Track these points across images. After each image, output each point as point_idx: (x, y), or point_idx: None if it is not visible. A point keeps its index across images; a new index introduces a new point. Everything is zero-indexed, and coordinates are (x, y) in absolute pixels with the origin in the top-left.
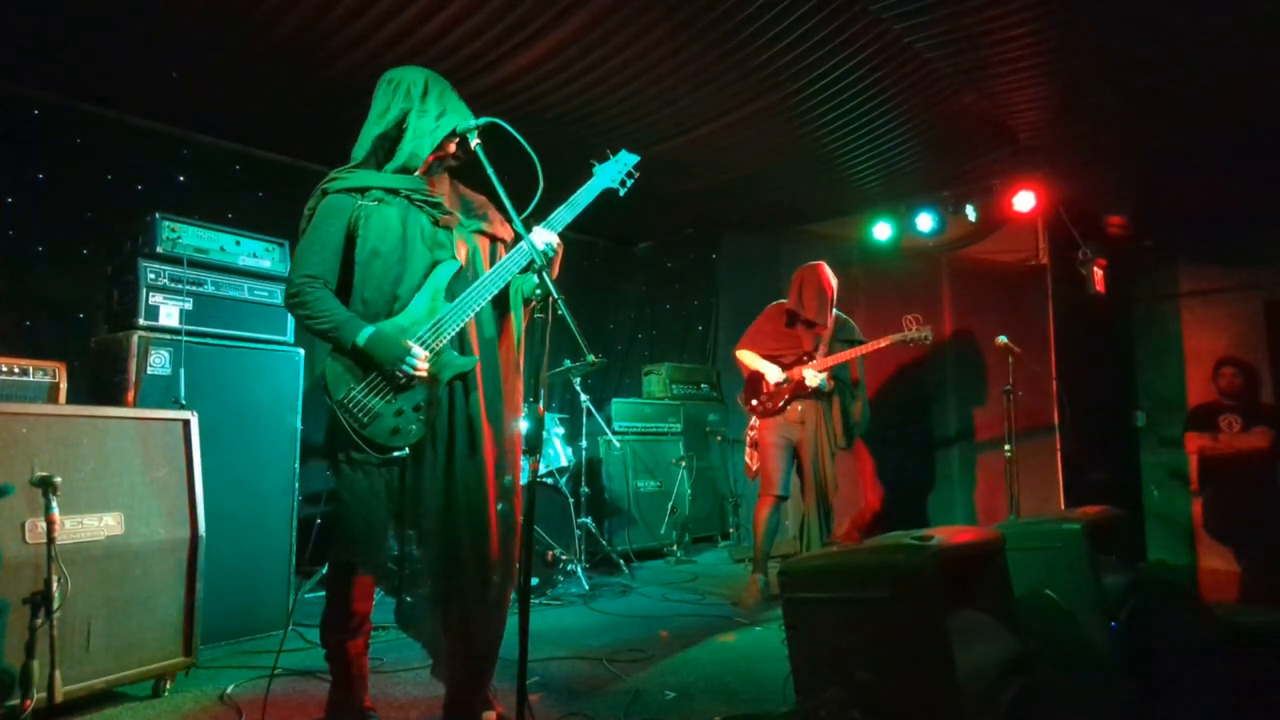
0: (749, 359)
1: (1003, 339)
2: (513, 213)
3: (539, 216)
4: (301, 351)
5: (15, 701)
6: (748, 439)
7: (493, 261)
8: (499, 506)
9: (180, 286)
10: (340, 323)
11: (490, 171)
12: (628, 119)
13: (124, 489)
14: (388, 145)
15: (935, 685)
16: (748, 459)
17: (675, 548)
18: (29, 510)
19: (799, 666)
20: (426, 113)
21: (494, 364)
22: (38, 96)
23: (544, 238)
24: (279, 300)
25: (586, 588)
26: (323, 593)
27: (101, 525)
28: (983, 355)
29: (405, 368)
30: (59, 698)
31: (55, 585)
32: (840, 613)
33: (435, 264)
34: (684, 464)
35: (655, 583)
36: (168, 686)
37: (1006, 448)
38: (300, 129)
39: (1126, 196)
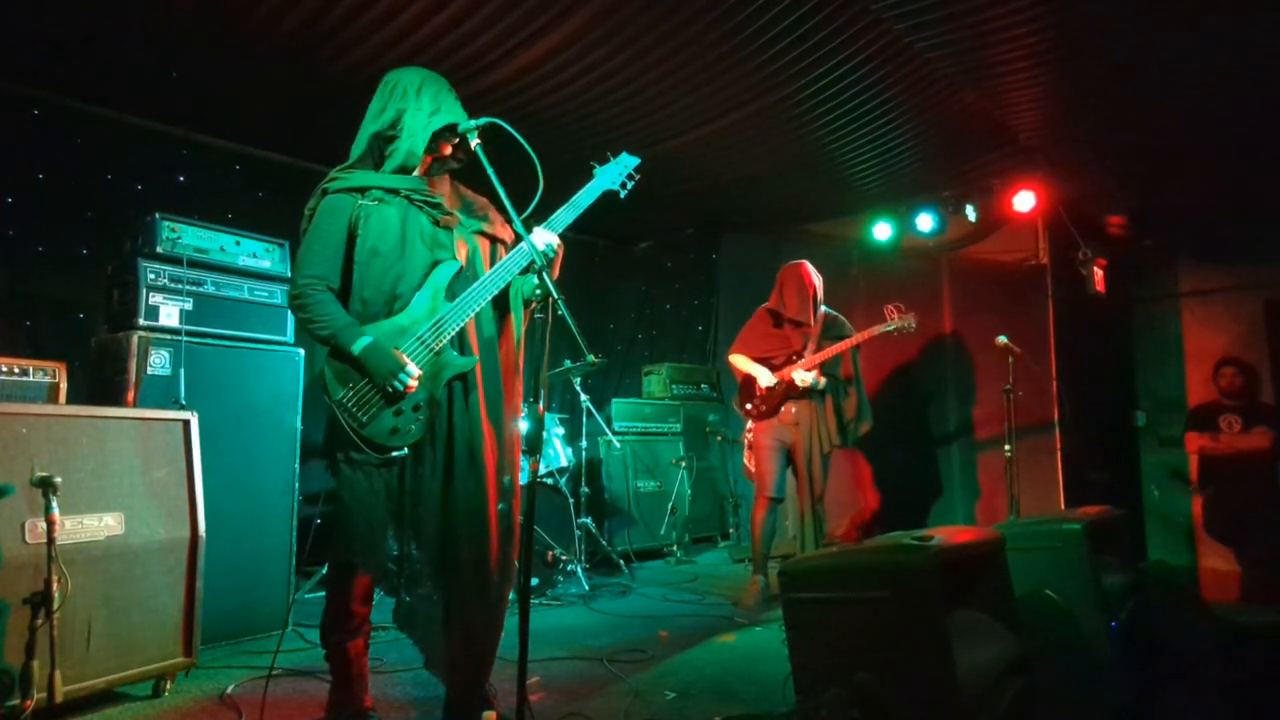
0: (741, 363)
1: (1003, 339)
2: (513, 213)
3: (539, 217)
4: (301, 351)
5: (15, 701)
6: (745, 441)
7: (493, 262)
8: (499, 506)
9: (180, 286)
10: (339, 329)
11: (490, 172)
12: (628, 119)
13: (124, 489)
14: (383, 145)
15: (935, 685)
16: (746, 460)
17: (675, 548)
18: (29, 510)
19: (799, 666)
20: (420, 111)
21: (494, 364)
22: (38, 96)
23: (544, 238)
24: (279, 300)
25: (586, 588)
26: (323, 593)
27: (101, 525)
28: (983, 355)
29: (396, 384)
30: (59, 698)
31: (55, 585)
32: (840, 613)
33: (435, 264)
34: (684, 464)
35: (655, 583)
36: (168, 686)
37: (1006, 448)
38: (300, 129)
39: (1126, 196)
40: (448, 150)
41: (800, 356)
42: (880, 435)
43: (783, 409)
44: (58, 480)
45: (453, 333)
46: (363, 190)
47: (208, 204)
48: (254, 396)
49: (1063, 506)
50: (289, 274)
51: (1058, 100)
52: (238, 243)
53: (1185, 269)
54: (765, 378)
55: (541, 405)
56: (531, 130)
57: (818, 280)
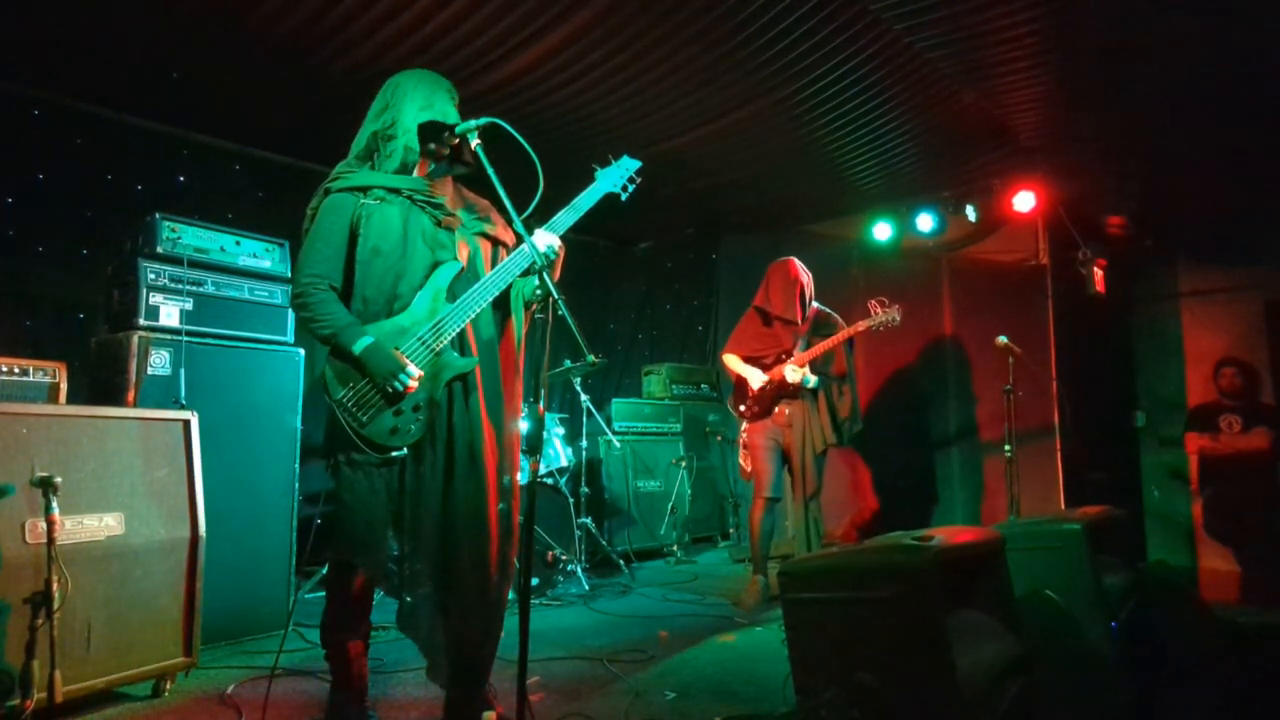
0: (733, 364)
1: (1003, 339)
2: (513, 214)
3: (540, 217)
4: (301, 351)
5: (15, 701)
6: (740, 442)
7: (494, 264)
8: (499, 507)
9: (180, 286)
10: (340, 329)
11: (490, 172)
12: (628, 119)
13: (124, 489)
14: (381, 143)
15: (935, 685)
16: (741, 461)
17: (675, 548)
18: (29, 510)
19: (799, 666)
20: (412, 107)
21: (494, 365)
22: (38, 96)
23: (545, 240)
24: (279, 300)
25: (586, 588)
26: (323, 593)
27: (101, 525)
28: (983, 355)
29: (397, 384)
30: (59, 698)
31: (55, 585)
32: (840, 613)
33: (437, 264)
34: (684, 464)
35: (655, 583)
36: (168, 686)
37: (1006, 448)
38: (300, 129)
39: (1126, 196)
40: (444, 151)
41: (790, 355)
42: (880, 435)
43: (776, 409)
44: (58, 480)
45: (453, 334)
46: (365, 189)
47: (208, 204)
48: (254, 396)
49: (1063, 506)
50: (289, 274)
51: (1058, 100)
52: (238, 243)
53: (1185, 269)
54: (755, 379)
55: (541, 405)
56: (532, 130)
57: (806, 277)
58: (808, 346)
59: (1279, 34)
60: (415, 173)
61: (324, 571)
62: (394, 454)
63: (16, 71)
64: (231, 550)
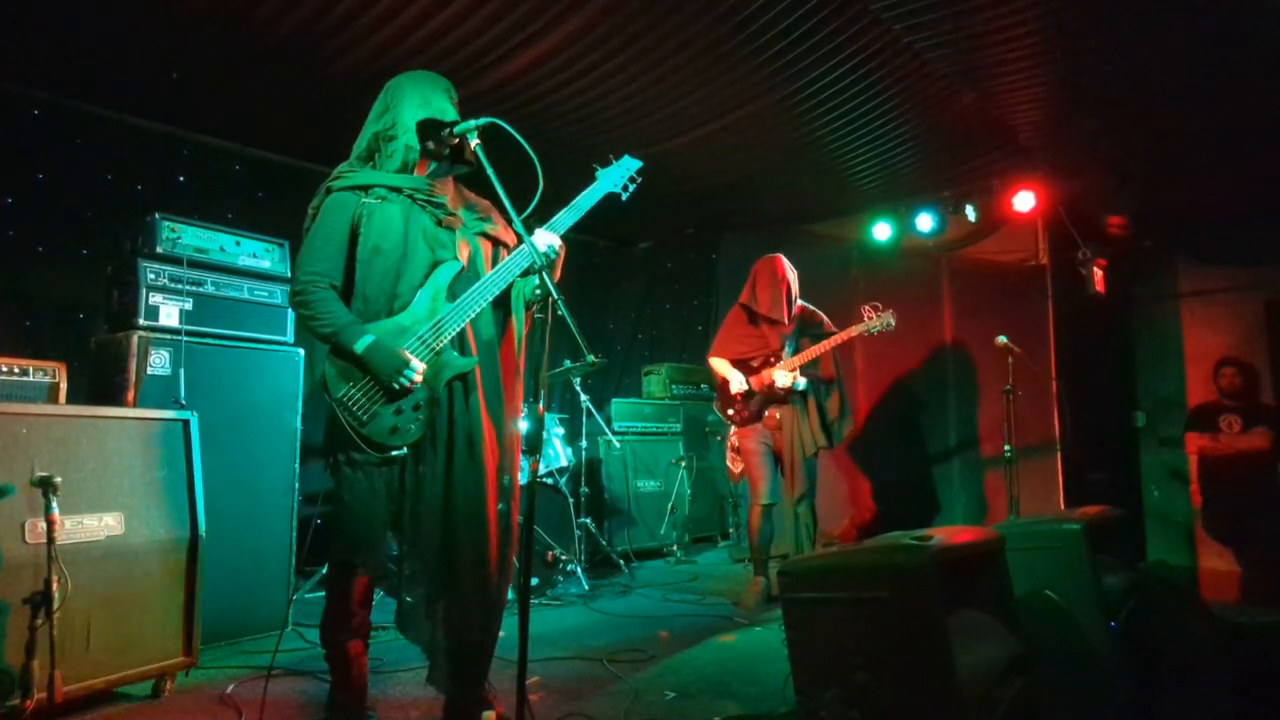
0: (720, 367)
1: (1002, 339)
2: (513, 214)
3: (540, 217)
4: (301, 351)
5: (15, 701)
6: (729, 444)
7: (494, 264)
8: (498, 507)
9: (180, 287)
10: (341, 327)
11: (490, 172)
12: (628, 119)
13: (124, 489)
14: (382, 144)
15: (935, 685)
16: (729, 464)
17: (675, 548)
18: (29, 510)
19: (799, 666)
20: (411, 106)
21: (494, 365)
22: (38, 96)
23: (546, 240)
24: (279, 300)
25: (586, 588)
26: (322, 593)
27: (101, 525)
28: (983, 355)
29: (402, 380)
30: (59, 698)
31: (55, 585)
32: (840, 613)
33: (437, 264)
34: (684, 464)
35: (655, 583)
36: (168, 686)
37: (1006, 447)
38: (300, 129)
39: (1126, 196)
40: (444, 150)
41: (778, 357)
42: (880, 435)
43: (765, 414)
44: (58, 480)
45: (453, 333)
46: (366, 188)
47: (208, 204)
48: (254, 396)
49: (1063, 506)
50: (289, 274)
51: (1057, 100)
52: (238, 243)
53: (1185, 269)
54: (736, 383)
55: (541, 405)
56: (531, 130)
57: (792, 275)
58: (795, 347)
59: (1278, 33)
60: (416, 172)
61: (324, 571)
62: (394, 454)
63: (16, 71)
64: (231, 550)
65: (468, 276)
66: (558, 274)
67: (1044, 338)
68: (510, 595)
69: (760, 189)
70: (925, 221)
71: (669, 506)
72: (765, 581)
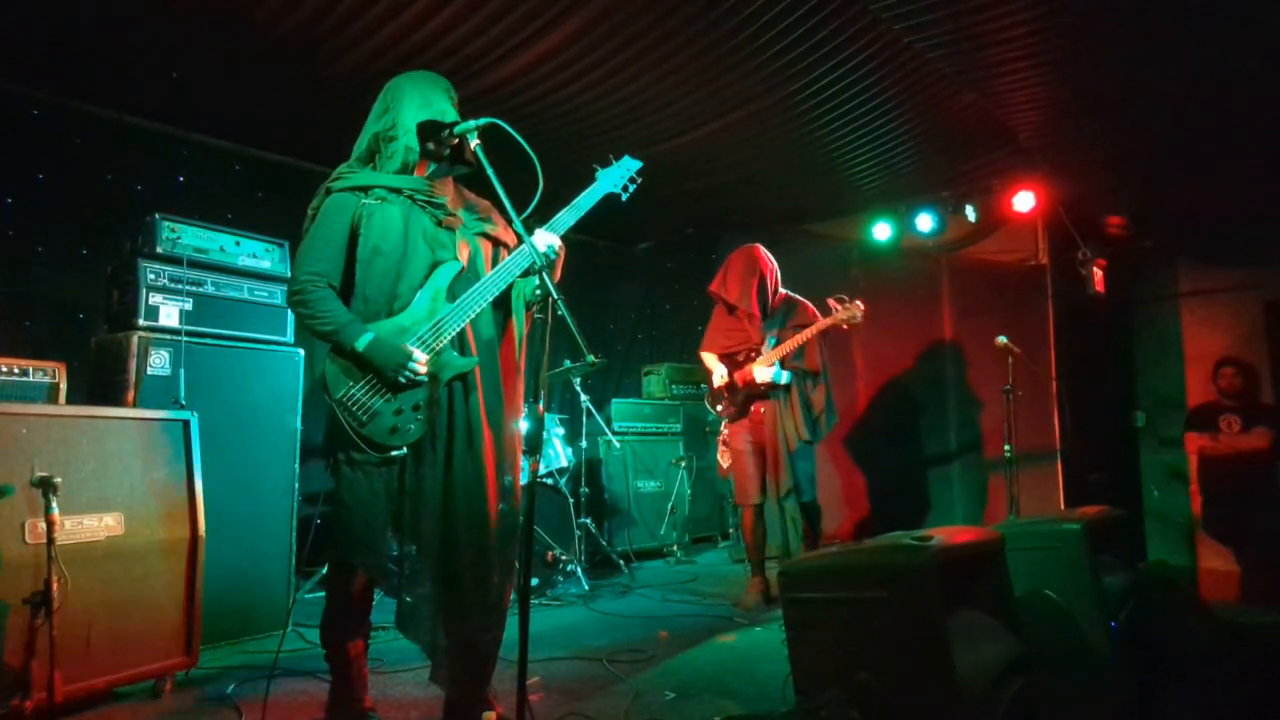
0: (706, 359)
1: (1002, 339)
2: (513, 214)
3: (540, 217)
4: (301, 352)
5: (15, 701)
6: (720, 438)
7: (494, 264)
8: (499, 507)
9: (180, 287)
10: (341, 325)
11: (490, 172)
12: (628, 119)
13: (124, 489)
14: (382, 144)
15: (935, 685)
16: (720, 458)
17: (675, 548)
18: (29, 510)
19: (799, 666)
20: (411, 107)
21: (494, 365)
22: (38, 96)
23: (546, 240)
24: (279, 300)
25: (586, 588)
26: (323, 593)
27: (101, 525)
28: (983, 355)
29: (407, 374)
30: (59, 698)
31: (55, 585)
32: (840, 613)
33: (437, 264)
34: (684, 464)
35: (655, 583)
36: (168, 686)
37: (1006, 447)
38: (300, 129)
39: (1126, 196)
40: (444, 150)
41: (758, 352)
42: (879, 435)
43: (751, 409)
44: (58, 480)
45: (452, 333)
46: (366, 189)
47: (208, 204)
48: (254, 396)
49: (1063, 506)
50: (289, 274)
51: (1057, 100)
52: (237, 243)
53: (1185, 269)
54: (718, 376)
55: (541, 405)
56: (531, 130)
57: (770, 266)
58: (776, 340)
59: (1278, 33)
60: (416, 173)
61: (324, 571)
62: (394, 454)
63: (16, 71)
64: (231, 550)
65: (468, 277)
66: (558, 274)
67: (1044, 338)
68: (510, 595)
69: (760, 189)
70: (925, 221)
71: (669, 507)
72: (764, 581)
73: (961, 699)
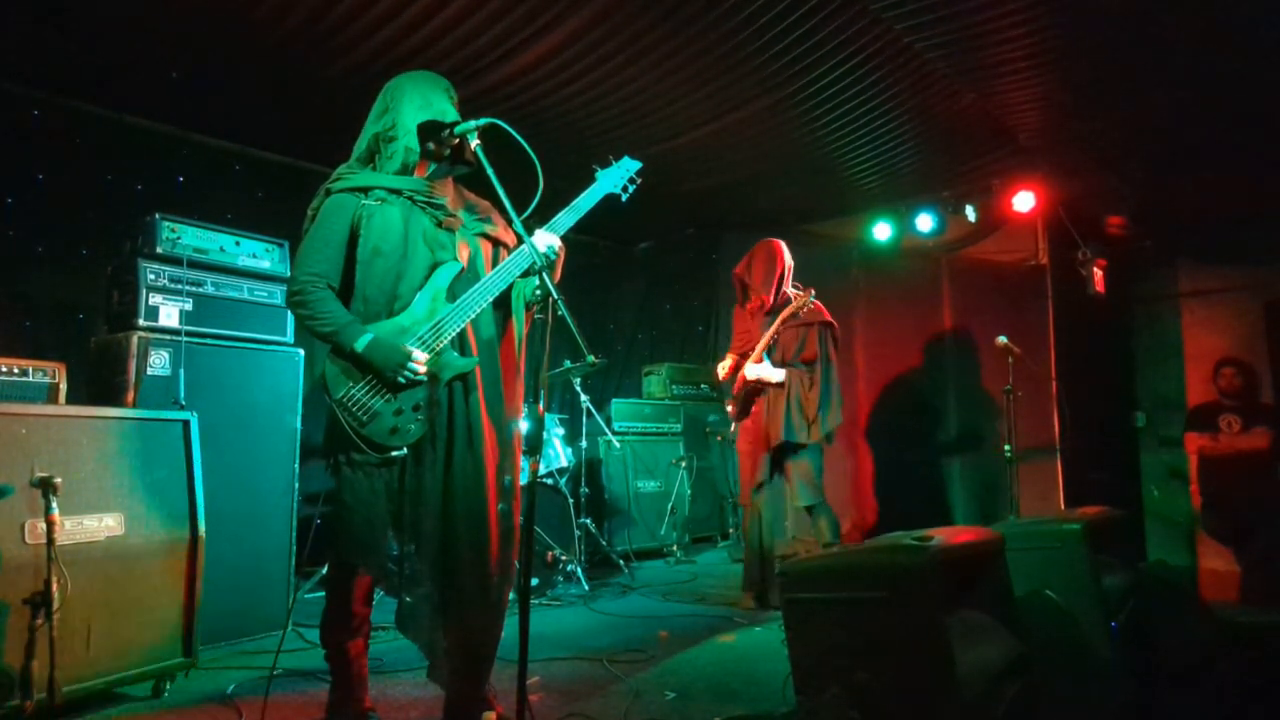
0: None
1: (1002, 339)
2: (513, 214)
3: (540, 217)
4: (301, 352)
5: (15, 702)
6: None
7: (494, 265)
8: (499, 507)
9: (180, 287)
10: (341, 326)
11: (490, 172)
12: (628, 119)
13: (124, 489)
14: (382, 145)
15: (935, 686)
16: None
17: (675, 548)
18: (29, 511)
19: (799, 666)
20: (411, 107)
21: (494, 365)
22: (38, 96)
23: (546, 240)
24: (279, 300)
25: (586, 588)
26: (322, 593)
27: (101, 525)
28: (982, 355)
29: (406, 374)
30: (59, 698)
31: (55, 586)
32: (840, 613)
33: (437, 265)
34: (684, 464)
35: (655, 583)
36: (168, 687)
37: (1006, 448)
38: (300, 129)
39: (1126, 196)
40: (444, 151)
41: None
42: (879, 435)
43: (753, 407)
44: (58, 480)
45: (452, 334)
46: (366, 190)
47: (208, 204)
48: (254, 396)
49: (1063, 506)
50: (288, 274)
51: (1057, 100)
52: (237, 243)
53: (1185, 269)
54: (721, 369)
55: (541, 405)
56: (531, 131)
57: (788, 261)
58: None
59: (1278, 33)
60: (415, 174)
61: (324, 571)
62: (394, 454)
63: (16, 71)
64: (231, 550)
65: (468, 277)
66: (558, 274)
67: (1044, 338)
68: (511, 596)
69: (760, 189)
70: (925, 221)
71: (669, 507)
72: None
73: (961, 699)
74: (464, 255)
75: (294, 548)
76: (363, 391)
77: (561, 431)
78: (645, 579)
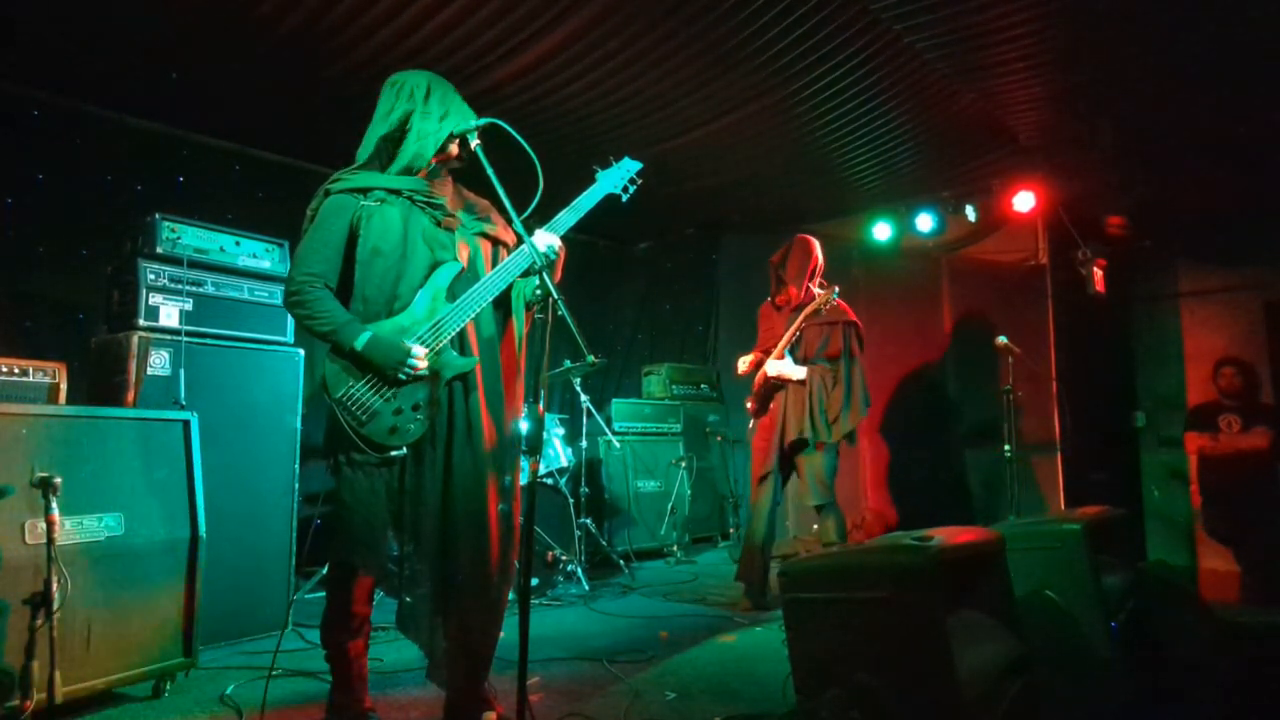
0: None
1: (1002, 339)
2: (513, 214)
3: (540, 217)
4: (301, 352)
5: (15, 702)
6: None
7: (494, 264)
8: (499, 507)
9: (180, 287)
10: (340, 325)
11: (490, 172)
12: (628, 119)
13: (124, 489)
14: (390, 147)
15: (935, 685)
16: None
17: (675, 548)
18: (29, 511)
19: (799, 666)
20: (429, 114)
21: (494, 365)
22: (38, 96)
23: (546, 240)
24: (279, 301)
25: (586, 588)
26: (323, 593)
27: (101, 525)
28: (983, 355)
29: (406, 370)
30: (59, 698)
31: (55, 586)
32: (840, 613)
33: (437, 264)
34: (684, 464)
35: (655, 583)
36: (168, 687)
37: (1006, 448)
38: (300, 129)
39: (1126, 196)
40: (453, 152)
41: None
42: (880, 436)
43: (772, 404)
44: (58, 480)
45: (452, 334)
46: (365, 191)
47: (208, 204)
48: (254, 396)
49: (1063, 506)
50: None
51: (1058, 100)
52: (237, 243)
53: (1185, 269)
54: (742, 364)
55: (541, 405)
56: (531, 131)
57: (821, 257)
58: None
59: (1278, 33)
60: (418, 174)
61: (324, 571)
62: (394, 454)
63: (16, 71)
64: (231, 550)
65: (467, 277)
66: (558, 274)
67: (1044, 338)
68: (510, 596)
69: (760, 189)
70: (925, 221)
71: (669, 507)
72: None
73: (961, 699)
74: (464, 255)
75: (294, 548)
76: (362, 391)
77: (561, 431)
78: (645, 579)
